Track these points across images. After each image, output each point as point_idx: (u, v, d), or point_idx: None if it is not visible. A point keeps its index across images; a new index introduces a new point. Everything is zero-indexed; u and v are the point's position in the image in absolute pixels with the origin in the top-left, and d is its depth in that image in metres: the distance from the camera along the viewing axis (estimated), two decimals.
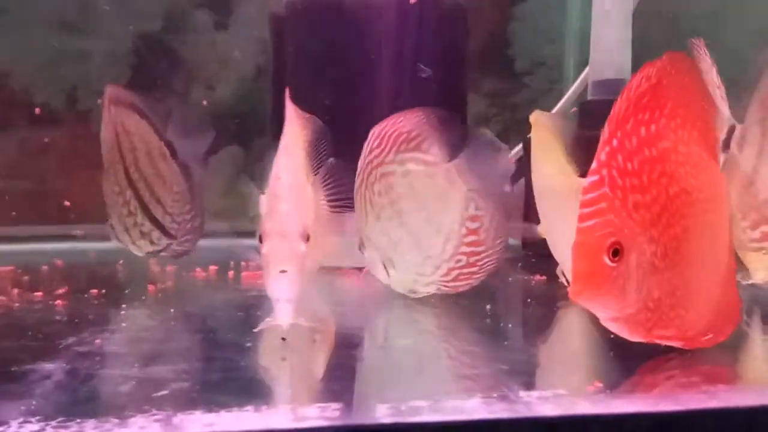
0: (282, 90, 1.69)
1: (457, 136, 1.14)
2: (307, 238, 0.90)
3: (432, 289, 1.19)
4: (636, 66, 1.62)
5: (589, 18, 1.68)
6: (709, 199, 0.83)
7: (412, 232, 1.15)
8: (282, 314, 0.91)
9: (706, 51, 1.03)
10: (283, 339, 0.92)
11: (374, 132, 1.15)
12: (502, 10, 2.43)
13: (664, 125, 0.81)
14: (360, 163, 1.17)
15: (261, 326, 0.93)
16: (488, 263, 1.17)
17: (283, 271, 0.87)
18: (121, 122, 1.41)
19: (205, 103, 2.23)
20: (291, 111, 1.00)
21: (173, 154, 1.43)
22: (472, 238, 1.15)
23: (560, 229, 1.16)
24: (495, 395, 0.71)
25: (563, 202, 1.11)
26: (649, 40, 1.78)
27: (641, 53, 1.60)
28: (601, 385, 0.75)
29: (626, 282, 0.77)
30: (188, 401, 0.69)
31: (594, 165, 0.79)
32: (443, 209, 1.14)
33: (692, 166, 0.82)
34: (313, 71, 1.62)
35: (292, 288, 0.89)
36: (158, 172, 1.41)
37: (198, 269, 1.51)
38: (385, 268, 1.19)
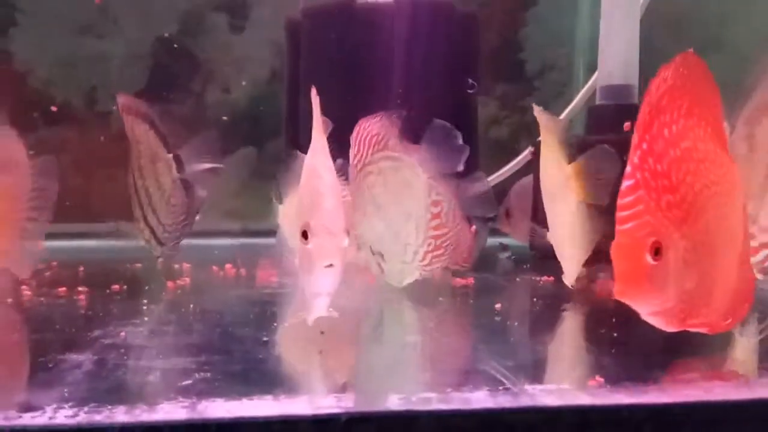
0: (296, 93, 1.75)
1: (416, 130, 1.26)
2: (348, 234, 0.92)
3: (416, 275, 1.27)
4: (643, 71, 1.66)
5: (599, 22, 1.70)
6: (725, 192, 0.87)
7: (391, 224, 1.25)
8: (320, 308, 0.93)
9: None
10: (322, 332, 0.95)
11: (352, 138, 1.24)
12: (512, 15, 2.46)
13: (683, 125, 0.85)
14: (349, 168, 1.25)
15: (292, 320, 0.95)
16: (450, 245, 1.27)
17: (329, 266, 0.89)
18: (132, 130, 1.42)
19: (225, 118, 2.28)
20: (318, 110, 0.99)
21: (180, 168, 1.42)
22: (435, 222, 1.25)
23: (556, 220, 1.22)
24: (500, 388, 0.75)
25: (559, 194, 1.19)
26: (656, 45, 1.80)
27: (649, 59, 1.62)
28: (602, 380, 0.78)
29: (666, 278, 0.82)
30: (212, 390, 0.73)
31: (628, 169, 0.83)
32: (410, 197, 1.24)
33: (710, 162, 0.86)
34: (327, 75, 1.66)
35: (335, 282, 0.92)
36: (159, 183, 1.42)
37: (214, 267, 1.55)
38: (377, 263, 1.27)
